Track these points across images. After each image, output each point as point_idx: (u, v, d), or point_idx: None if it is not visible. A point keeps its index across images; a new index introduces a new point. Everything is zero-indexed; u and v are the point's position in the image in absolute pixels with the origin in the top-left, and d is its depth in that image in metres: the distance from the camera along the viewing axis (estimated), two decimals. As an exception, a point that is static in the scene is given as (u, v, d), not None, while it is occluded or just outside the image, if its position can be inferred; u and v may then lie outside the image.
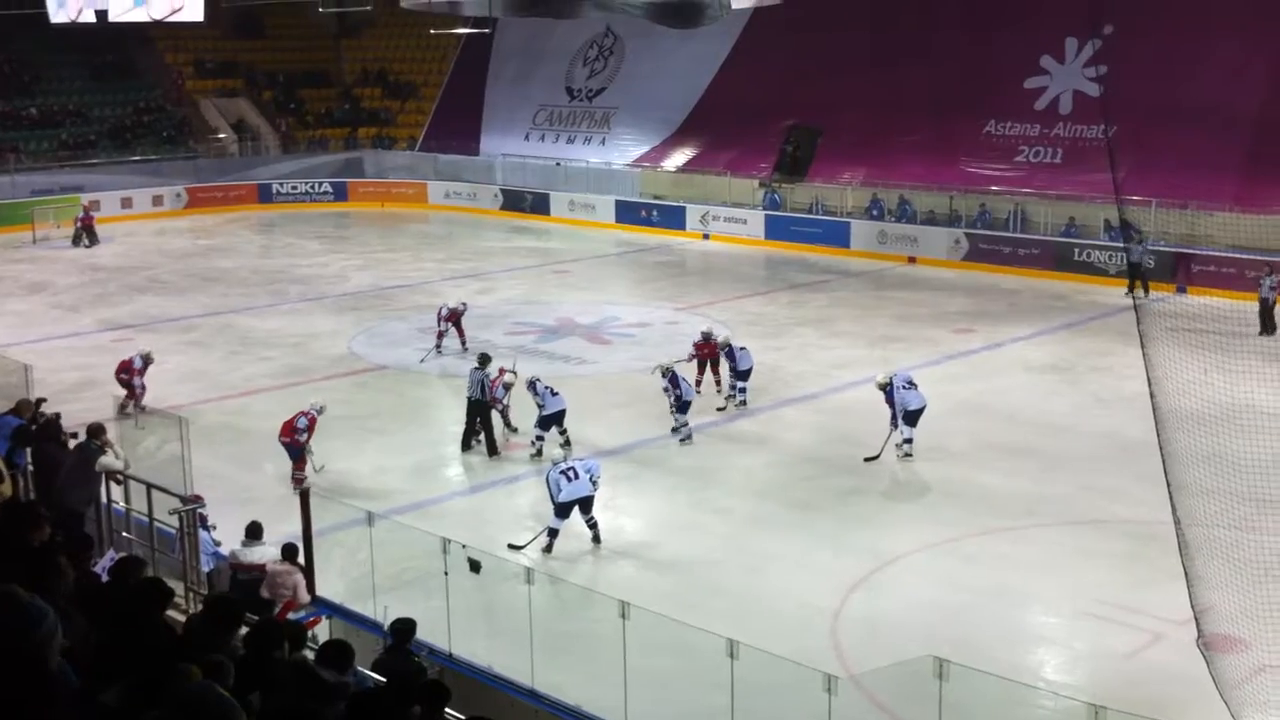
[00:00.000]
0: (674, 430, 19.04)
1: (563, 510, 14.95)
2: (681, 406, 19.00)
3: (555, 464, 15.28)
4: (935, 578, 14.19)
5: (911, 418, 18.04)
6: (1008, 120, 36.19)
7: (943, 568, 14.48)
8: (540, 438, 18.28)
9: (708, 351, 21.14)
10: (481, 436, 18.56)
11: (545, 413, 18.25)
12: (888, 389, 18.21)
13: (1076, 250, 31.75)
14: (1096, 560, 14.60)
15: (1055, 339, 25.53)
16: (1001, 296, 29.76)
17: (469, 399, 18.63)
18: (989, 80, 36.39)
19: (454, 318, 24.22)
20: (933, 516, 16.06)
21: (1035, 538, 15.34)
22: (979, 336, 25.58)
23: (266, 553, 12.15)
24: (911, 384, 18.25)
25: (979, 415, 20.04)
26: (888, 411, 18.30)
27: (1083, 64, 35.05)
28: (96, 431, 12.54)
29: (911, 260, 34.16)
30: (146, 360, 20.42)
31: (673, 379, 19.03)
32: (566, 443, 18.26)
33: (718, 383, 21.05)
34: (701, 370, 21.16)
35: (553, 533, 14.99)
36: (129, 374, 20.20)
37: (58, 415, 13.53)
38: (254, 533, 12.30)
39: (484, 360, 19.02)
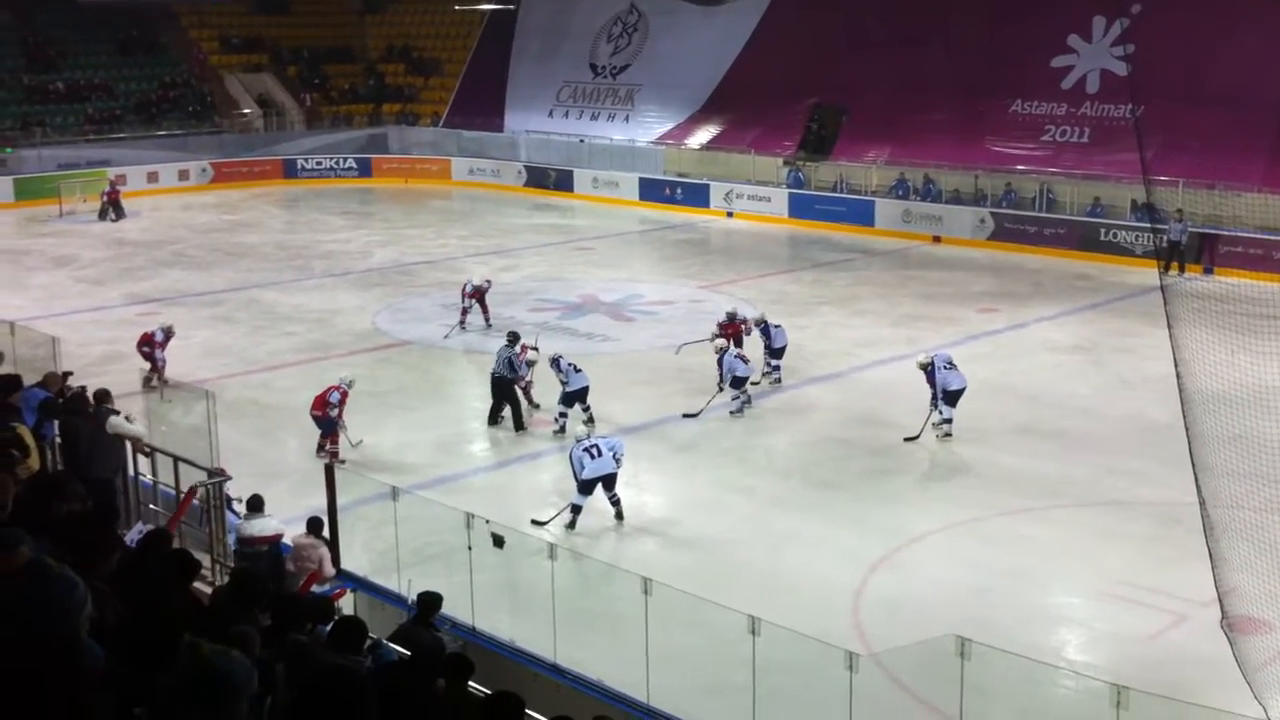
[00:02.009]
0: (733, 411, 19.13)
1: (586, 487, 15.01)
2: (735, 383, 19.00)
3: (579, 441, 15.32)
4: (957, 558, 14.18)
5: (951, 398, 18.03)
6: (1034, 99, 35.93)
7: (964, 548, 14.48)
8: (564, 414, 18.32)
9: (732, 331, 21.12)
10: (507, 412, 18.62)
11: (569, 389, 18.29)
12: (929, 369, 18.20)
13: (1103, 230, 31.56)
14: (1119, 542, 14.57)
15: (1080, 319, 25.42)
16: (1026, 276, 29.62)
17: (493, 376, 18.62)
18: (1015, 59, 36.15)
19: (478, 294, 24.24)
20: (955, 497, 16.05)
21: (1058, 519, 15.31)
22: (1003, 316, 25.48)
23: (268, 525, 12.16)
24: (952, 365, 18.23)
25: (1002, 396, 19.96)
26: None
27: (1110, 43, 34.77)
28: (104, 396, 12.63)
29: (936, 239, 34.02)
30: (168, 333, 20.59)
31: (721, 358, 19.17)
32: (589, 420, 18.26)
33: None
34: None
35: (576, 509, 15.04)
36: (150, 346, 20.40)
37: (83, 388, 13.62)
38: (255, 505, 12.26)
39: (513, 338, 19.10)
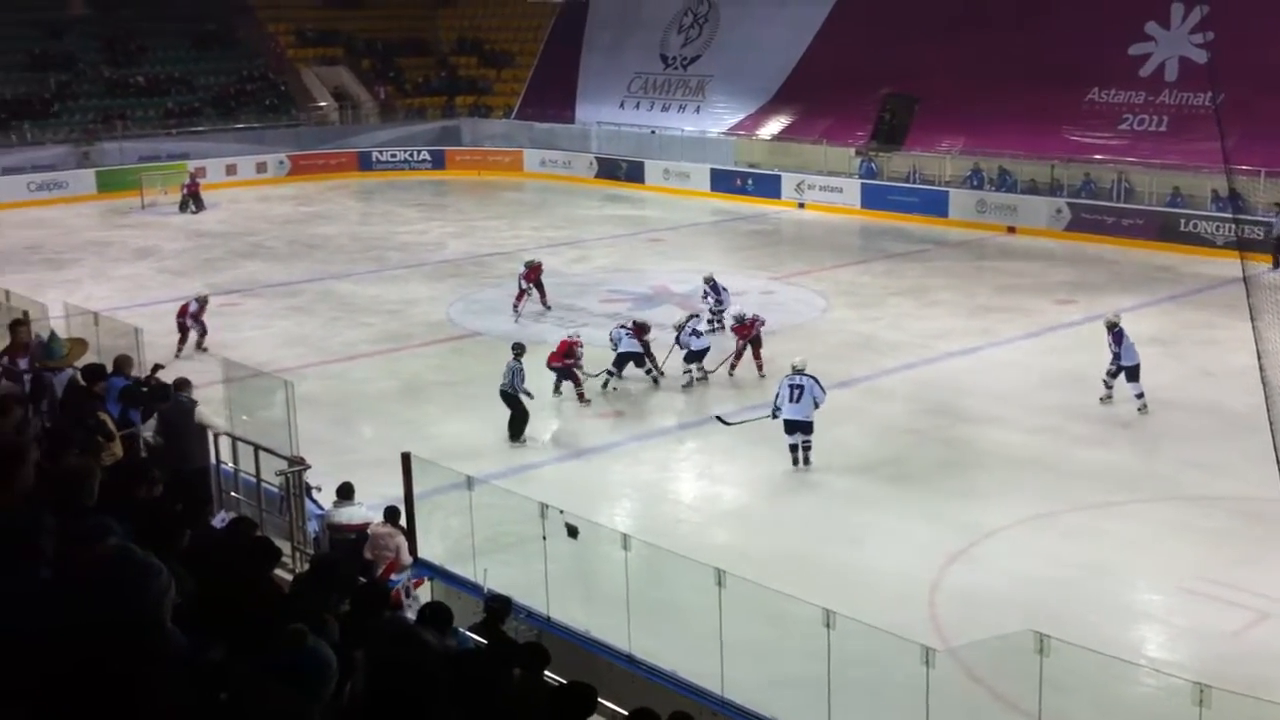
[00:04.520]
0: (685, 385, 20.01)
1: (787, 428, 16.31)
2: (689, 357, 19.91)
3: (794, 371, 16.47)
4: (1034, 552, 14.03)
5: (1132, 373, 18.42)
6: (1111, 88, 35.41)
7: (1042, 542, 14.31)
8: (688, 371, 19.88)
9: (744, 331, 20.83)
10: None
11: (693, 349, 19.73)
12: (1117, 328, 18.60)
13: (1182, 220, 31.04)
14: (1200, 537, 14.35)
15: (1159, 311, 25.01)
16: (1104, 267, 29.20)
17: (501, 390, 17.88)
18: (1092, 47, 35.61)
19: (533, 276, 24.57)
20: (1032, 490, 15.85)
21: (1137, 513, 15.09)
22: (1080, 308, 25.12)
23: (357, 513, 12.33)
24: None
25: (1080, 388, 19.66)
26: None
27: (1189, 30, 34.18)
28: (182, 385, 12.81)
29: (1011, 230, 33.63)
30: (202, 302, 22.30)
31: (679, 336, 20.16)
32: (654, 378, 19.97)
33: (759, 366, 20.52)
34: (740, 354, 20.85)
35: (793, 448, 16.31)
36: (185, 317, 21.98)
37: (173, 379, 13.81)
38: (345, 493, 12.45)
39: (519, 350, 18.34)
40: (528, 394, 17.79)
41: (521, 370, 17.86)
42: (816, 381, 16.52)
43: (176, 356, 21.05)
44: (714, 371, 20.11)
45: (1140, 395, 18.50)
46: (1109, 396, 18.88)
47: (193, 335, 22.07)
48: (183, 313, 22.18)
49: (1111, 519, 14.94)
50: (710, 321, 22.45)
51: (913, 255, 31.22)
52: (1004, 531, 14.56)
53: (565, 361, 19.05)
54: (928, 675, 8.91)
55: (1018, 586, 13.05)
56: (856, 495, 15.94)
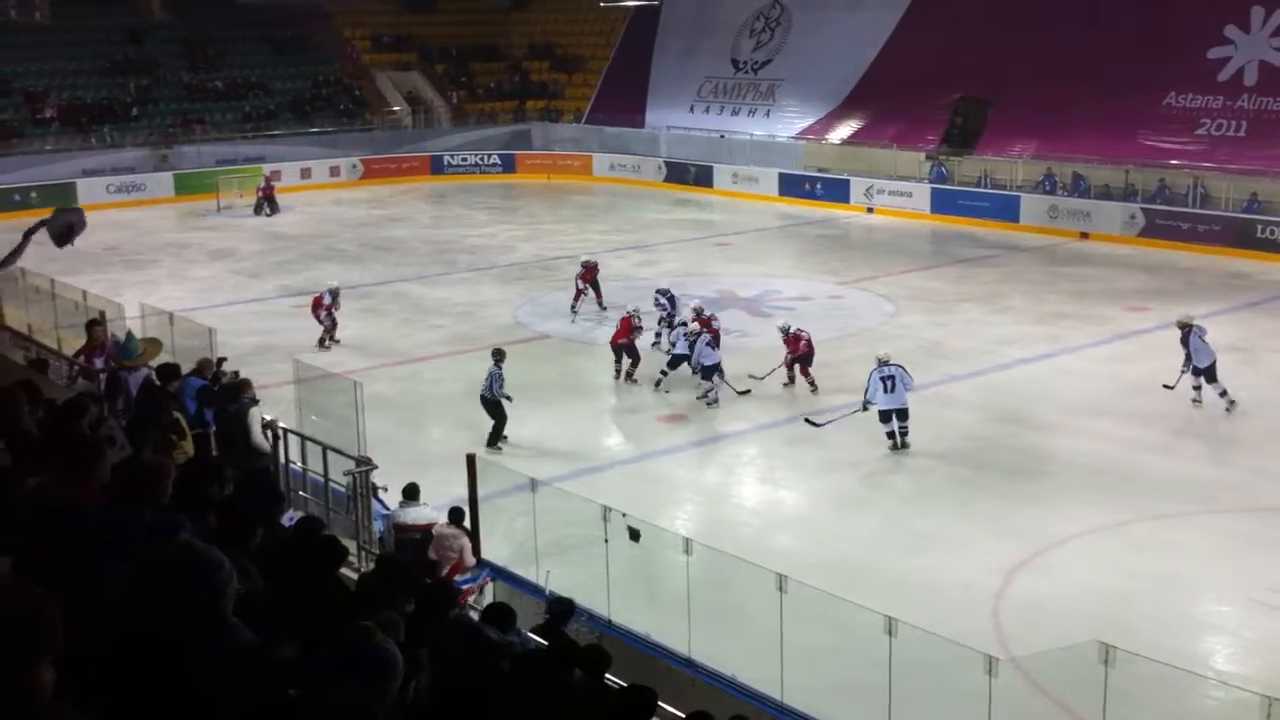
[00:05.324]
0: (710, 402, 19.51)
1: (883, 417, 17.11)
2: (705, 372, 19.54)
3: (881, 364, 17.10)
4: (1102, 562, 13.86)
5: (1206, 374, 18.47)
6: (1189, 92, 34.85)
7: (1110, 552, 14.14)
8: (711, 388, 19.47)
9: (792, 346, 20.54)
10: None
11: (706, 364, 19.47)
12: (1187, 331, 18.61)
13: (1259, 227, 30.51)
14: (1272, 548, 14.10)
15: (1235, 319, 24.58)
16: (1179, 274, 28.78)
17: (481, 397, 17.78)
18: (1169, 50, 35.10)
19: (590, 276, 24.95)
20: (1100, 499, 15.66)
21: (1208, 524, 14.87)
22: (1154, 315, 24.73)
23: (423, 514, 12.44)
24: (1204, 340, 18.69)
25: (1152, 396, 19.39)
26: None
27: (1270, 34, 33.60)
28: (243, 386, 13.00)
29: (1084, 236, 33.24)
30: (334, 294, 23.03)
31: (691, 344, 19.82)
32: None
33: (810, 382, 20.22)
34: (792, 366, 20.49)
35: (891, 435, 17.09)
36: (320, 309, 22.74)
37: (236, 373, 14.04)
38: (411, 494, 12.56)
39: (499, 356, 18.07)
40: (508, 398, 17.73)
41: (500, 375, 17.69)
42: (904, 369, 17.34)
43: (322, 347, 22.47)
44: (763, 379, 19.97)
45: (1223, 394, 18.49)
46: (1198, 400, 18.76)
47: (320, 329, 22.79)
48: (317, 305, 22.91)
49: (1182, 529, 14.73)
50: (658, 333, 22.12)
51: (983, 260, 30.95)
52: (1072, 541, 14.40)
53: (631, 337, 20.32)
54: (991, 685, 8.85)
55: (1084, 596, 12.91)
56: (922, 501, 15.85)
